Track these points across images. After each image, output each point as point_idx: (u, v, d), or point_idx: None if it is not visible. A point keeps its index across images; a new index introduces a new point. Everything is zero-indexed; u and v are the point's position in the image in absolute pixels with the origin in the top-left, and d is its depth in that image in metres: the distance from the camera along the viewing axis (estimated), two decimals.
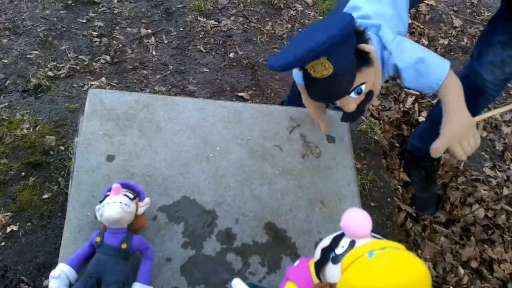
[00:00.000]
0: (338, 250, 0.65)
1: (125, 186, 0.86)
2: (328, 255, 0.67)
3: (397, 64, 0.88)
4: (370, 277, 0.56)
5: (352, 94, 0.79)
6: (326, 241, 0.69)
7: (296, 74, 1.00)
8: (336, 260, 0.65)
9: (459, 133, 0.88)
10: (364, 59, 0.77)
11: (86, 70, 1.78)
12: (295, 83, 1.36)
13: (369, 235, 0.65)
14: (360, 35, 0.79)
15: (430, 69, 0.87)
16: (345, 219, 0.67)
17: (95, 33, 1.89)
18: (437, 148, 0.89)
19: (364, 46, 0.77)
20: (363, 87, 0.79)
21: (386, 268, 0.56)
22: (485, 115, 0.96)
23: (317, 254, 0.69)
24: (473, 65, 1.33)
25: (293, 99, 1.42)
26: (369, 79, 0.79)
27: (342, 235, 0.68)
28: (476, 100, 1.38)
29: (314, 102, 0.99)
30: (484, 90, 1.32)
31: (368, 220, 0.67)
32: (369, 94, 0.82)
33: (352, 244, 0.64)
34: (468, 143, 0.88)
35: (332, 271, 0.65)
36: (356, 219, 0.66)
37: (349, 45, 0.75)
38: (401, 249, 0.61)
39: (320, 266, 0.68)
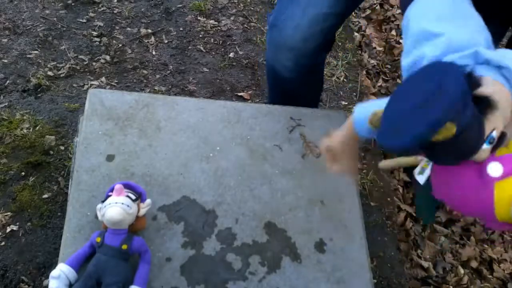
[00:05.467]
0: None
1: (127, 186, 0.86)
2: None
3: None
4: None
5: (484, 146, 0.68)
6: None
7: (359, 124, 0.81)
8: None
9: None
10: (486, 105, 0.67)
11: (86, 70, 1.77)
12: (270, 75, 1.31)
13: None
14: (469, 78, 0.68)
15: None
16: None
17: (95, 33, 1.89)
18: None
19: (482, 91, 0.66)
20: (493, 134, 0.68)
21: None
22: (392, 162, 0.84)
23: None
24: None
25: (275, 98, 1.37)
26: (499, 123, 0.69)
27: None
28: None
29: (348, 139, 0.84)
30: None
31: None
32: (502, 136, 0.70)
33: None
34: None
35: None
36: None
37: (465, 96, 0.65)
38: None
39: None
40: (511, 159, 0.64)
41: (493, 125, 0.68)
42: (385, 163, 0.81)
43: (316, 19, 1.07)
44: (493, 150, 0.69)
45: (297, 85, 1.24)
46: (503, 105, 0.69)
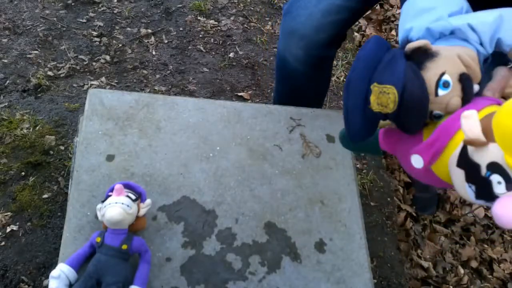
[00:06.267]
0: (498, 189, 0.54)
1: (127, 186, 0.86)
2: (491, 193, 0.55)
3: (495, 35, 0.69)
4: None
5: (440, 91, 0.65)
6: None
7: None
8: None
9: None
10: (421, 57, 0.65)
11: (86, 70, 1.78)
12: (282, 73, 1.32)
13: None
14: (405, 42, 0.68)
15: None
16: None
17: (95, 33, 1.89)
18: None
19: (411, 45, 0.65)
20: (446, 77, 0.65)
21: None
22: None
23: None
24: None
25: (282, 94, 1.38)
26: (448, 67, 0.66)
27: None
28: None
29: None
30: None
31: None
32: (464, 77, 0.66)
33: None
34: None
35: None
36: None
37: (391, 59, 0.64)
38: None
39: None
40: (425, 147, 0.62)
41: (440, 70, 0.65)
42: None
43: (330, 9, 1.09)
44: (468, 95, 0.65)
45: (305, 79, 1.24)
46: (444, 52, 0.66)
